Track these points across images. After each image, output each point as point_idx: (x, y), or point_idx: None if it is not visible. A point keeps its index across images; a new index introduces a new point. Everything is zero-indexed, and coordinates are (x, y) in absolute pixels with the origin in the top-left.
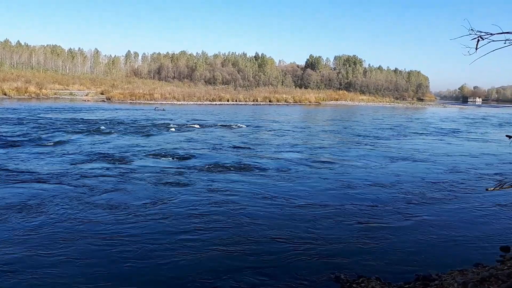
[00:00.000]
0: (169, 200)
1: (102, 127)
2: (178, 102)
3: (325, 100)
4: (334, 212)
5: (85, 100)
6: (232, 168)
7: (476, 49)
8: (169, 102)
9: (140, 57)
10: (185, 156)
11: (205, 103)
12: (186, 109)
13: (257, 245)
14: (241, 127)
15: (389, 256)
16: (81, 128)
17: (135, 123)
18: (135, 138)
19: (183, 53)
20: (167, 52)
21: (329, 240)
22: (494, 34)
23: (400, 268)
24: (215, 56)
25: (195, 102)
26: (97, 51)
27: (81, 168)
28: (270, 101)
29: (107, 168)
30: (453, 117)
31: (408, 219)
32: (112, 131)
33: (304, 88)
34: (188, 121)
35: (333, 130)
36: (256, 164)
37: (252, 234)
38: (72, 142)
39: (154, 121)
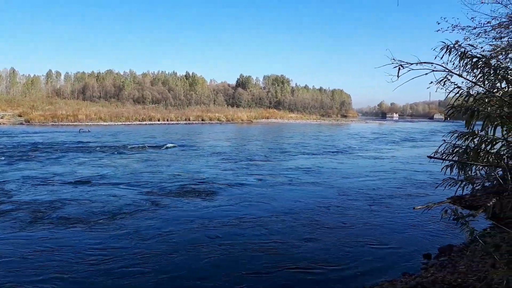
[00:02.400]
0: None
1: None
2: (105, 123)
3: (257, 118)
4: (251, 247)
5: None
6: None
7: (398, 76)
8: (95, 123)
9: (62, 77)
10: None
11: (135, 123)
12: (113, 130)
13: None
14: (169, 147)
15: (322, 273)
16: None
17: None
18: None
19: (109, 72)
20: (92, 71)
21: (252, 271)
22: (413, 63)
23: (333, 284)
24: (144, 75)
25: (124, 123)
26: (13, 70)
27: None
28: (203, 120)
29: None
30: (373, 132)
31: (333, 235)
32: None
33: (236, 106)
34: (111, 143)
35: (253, 150)
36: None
37: None
38: None
39: (69, 144)
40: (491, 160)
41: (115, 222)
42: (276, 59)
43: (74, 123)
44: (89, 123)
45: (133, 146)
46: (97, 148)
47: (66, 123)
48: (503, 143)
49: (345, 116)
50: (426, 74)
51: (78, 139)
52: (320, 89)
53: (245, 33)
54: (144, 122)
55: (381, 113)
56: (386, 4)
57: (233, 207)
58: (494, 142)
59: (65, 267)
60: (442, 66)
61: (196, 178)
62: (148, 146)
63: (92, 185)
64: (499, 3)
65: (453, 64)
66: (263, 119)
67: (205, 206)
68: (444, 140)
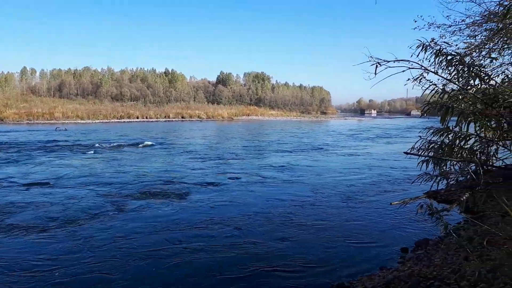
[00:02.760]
0: None
1: None
2: (82, 121)
3: (238, 116)
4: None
5: None
6: None
7: (375, 74)
8: (72, 121)
9: (38, 74)
10: None
11: (113, 121)
12: (91, 128)
13: None
14: (144, 145)
15: (300, 270)
16: None
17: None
18: None
19: (86, 68)
20: (69, 68)
21: (232, 264)
22: (390, 61)
23: (311, 281)
24: (122, 71)
25: (102, 120)
26: None
27: None
28: (182, 117)
29: None
30: (351, 128)
31: (310, 233)
32: None
33: (217, 104)
34: (86, 141)
35: (229, 148)
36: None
37: None
38: None
39: (41, 143)
40: (464, 155)
41: (70, 228)
42: (256, 56)
43: (51, 121)
44: (66, 121)
45: (109, 144)
46: (69, 147)
47: (42, 121)
48: (476, 138)
49: (324, 113)
50: (403, 71)
51: (52, 138)
52: (300, 86)
53: (225, 30)
54: (122, 120)
55: (359, 110)
56: (365, 1)
57: (203, 208)
58: (468, 138)
59: (5, 280)
60: (418, 63)
61: (166, 178)
62: (124, 144)
63: (52, 187)
64: (473, 1)
65: (429, 62)
66: (244, 116)
67: (172, 208)
68: (420, 136)
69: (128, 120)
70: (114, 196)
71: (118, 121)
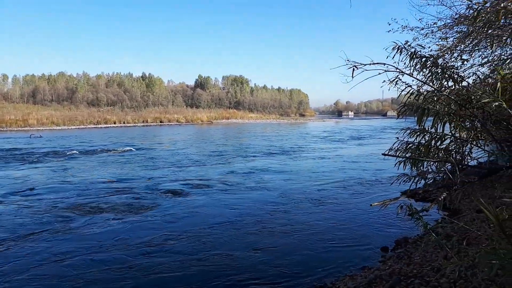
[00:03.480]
0: None
1: None
2: (58, 127)
3: (217, 119)
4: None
5: None
6: None
7: (353, 77)
8: (48, 128)
9: (10, 80)
10: None
11: (89, 126)
12: (67, 134)
13: None
14: (120, 151)
15: (280, 274)
16: None
17: None
18: None
19: (61, 74)
20: (43, 74)
21: (218, 263)
22: (367, 64)
23: (295, 281)
24: (98, 76)
25: (78, 126)
26: None
27: None
28: (161, 122)
29: None
30: (326, 130)
31: (287, 239)
32: None
33: (195, 107)
34: (54, 148)
35: (198, 153)
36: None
37: None
38: None
39: (5, 152)
40: (441, 155)
41: None
42: (235, 59)
43: (25, 128)
44: (41, 128)
45: (80, 151)
46: (34, 155)
47: (16, 129)
48: (451, 139)
49: (303, 115)
50: (379, 74)
51: (21, 146)
52: (279, 89)
53: (202, 33)
54: (99, 125)
55: (337, 112)
56: (340, 5)
57: (160, 222)
58: (443, 138)
59: None
60: (393, 66)
61: (125, 187)
62: (96, 151)
63: None
64: (443, 5)
65: (404, 64)
66: (224, 120)
67: (124, 223)
68: (397, 138)
69: (105, 125)
70: (58, 210)
71: (94, 127)
